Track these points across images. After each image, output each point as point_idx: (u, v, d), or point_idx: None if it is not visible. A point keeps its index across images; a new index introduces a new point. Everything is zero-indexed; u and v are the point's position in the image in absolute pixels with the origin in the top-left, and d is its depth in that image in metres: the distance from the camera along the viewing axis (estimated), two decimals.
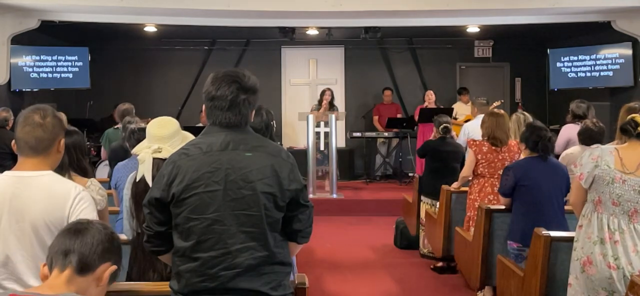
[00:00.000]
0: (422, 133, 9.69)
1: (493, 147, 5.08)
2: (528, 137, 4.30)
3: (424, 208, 6.22)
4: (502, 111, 5.42)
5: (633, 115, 3.15)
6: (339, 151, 9.64)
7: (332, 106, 9.70)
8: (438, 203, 5.80)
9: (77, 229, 1.96)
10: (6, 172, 2.39)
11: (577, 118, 6.03)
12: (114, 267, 1.99)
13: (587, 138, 5.06)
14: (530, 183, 4.19)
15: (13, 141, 2.40)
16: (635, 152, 3.09)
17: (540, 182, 4.18)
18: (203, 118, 9.84)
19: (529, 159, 4.31)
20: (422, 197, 6.27)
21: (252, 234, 2.15)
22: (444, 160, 6.08)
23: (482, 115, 6.95)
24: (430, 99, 9.86)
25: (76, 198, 2.31)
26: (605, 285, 3.03)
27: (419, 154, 6.50)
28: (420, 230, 6.41)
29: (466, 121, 8.43)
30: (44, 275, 1.95)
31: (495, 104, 9.08)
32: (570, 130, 6.06)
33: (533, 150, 4.27)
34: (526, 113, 5.63)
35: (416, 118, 9.85)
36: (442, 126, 6.15)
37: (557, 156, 5.42)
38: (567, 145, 5.95)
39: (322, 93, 9.84)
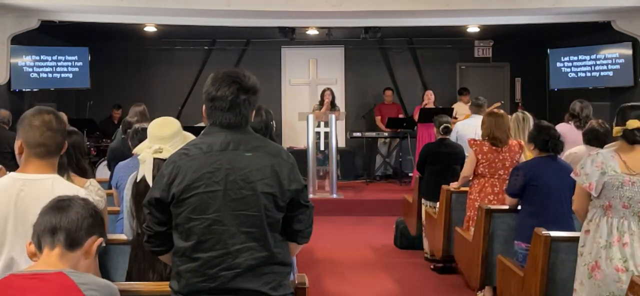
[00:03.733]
0: (421, 133, 9.69)
1: (493, 147, 5.07)
2: (536, 136, 4.28)
3: (426, 211, 6.18)
4: (501, 111, 5.40)
5: (632, 121, 3.10)
6: (339, 151, 9.64)
7: (333, 106, 9.70)
8: (438, 204, 5.79)
9: (60, 206, 2.03)
10: (11, 174, 2.39)
11: (573, 116, 6.07)
12: (101, 239, 2.09)
13: (593, 138, 5.05)
14: (540, 183, 4.16)
15: (19, 142, 2.39)
16: (636, 153, 3.10)
17: (550, 182, 4.15)
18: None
19: (538, 159, 4.28)
20: (423, 200, 6.22)
21: (252, 234, 2.15)
22: (442, 163, 6.03)
23: (476, 116, 6.96)
24: (430, 99, 9.81)
25: None
26: (614, 289, 3.02)
27: (418, 165, 6.33)
28: (424, 235, 6.36)
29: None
30: (31, 252, 2.04)
31: (495, 105, 9.08)
32: (561, 129, 6.09)
33: (542, 149, 4.24)
34: (526, 113, 5.62)
35: (416, 117, 9.86)
36: (442, 126, 6.12)
37: None
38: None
39: (323, 93, 9.85)
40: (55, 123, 2.37)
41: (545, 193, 4.15)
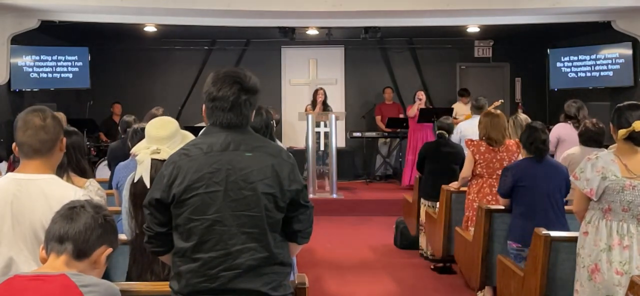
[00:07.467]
0: (414, 133, 9.69)
1: (490, 147, 5.07)
2: (522, 136, 4.34)
3: (424, 210, 6.19)
4: (498, 111, 5.40)
5: (638, 122, 3.08)
6: (339, 151, 9.63)
7: (326, 106, 9.68)
8: (437, 204, 5.79)
9: (70, 216, 2.03)
10: (8, 174, 2.40)
11: (569, 118, 6.09)
12: (110, 250, 2.08)
13: (588, 139, 5.06)
14: (528, 183, 4.19)
15: (14, 145, 2.40)
16: (638, 155, 3.09)
17: (539, 182, 4.17)
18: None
19: (527, 160, 4.31)
20: (422, 199, 6.24)
21: (252, 235, 2.15)
22: (441, 162, 6.05)
23: (478, 116, 6.94)
24: (422, 99, 9.85)
25: None
26: (613, 292, 3.02)
27: (418, 164, 6.37)
28: (420, 233, 6.38)
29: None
30: (42, 258, 2.05)
31: (495, 104, 9.08)
32: (559, 130, 6.13)
33: (528, 151, 4.28)
34: (520, 116, 5.61)
35: (409, 113, 9.87)
36: (437, 132, 6.21)
37: (551, 155, 5.42)
38: (558, 143, 5.99)
39: (315, 93, 9.84)
40: (46, 121, 2.36)
41: (534, 193, 4.18)
